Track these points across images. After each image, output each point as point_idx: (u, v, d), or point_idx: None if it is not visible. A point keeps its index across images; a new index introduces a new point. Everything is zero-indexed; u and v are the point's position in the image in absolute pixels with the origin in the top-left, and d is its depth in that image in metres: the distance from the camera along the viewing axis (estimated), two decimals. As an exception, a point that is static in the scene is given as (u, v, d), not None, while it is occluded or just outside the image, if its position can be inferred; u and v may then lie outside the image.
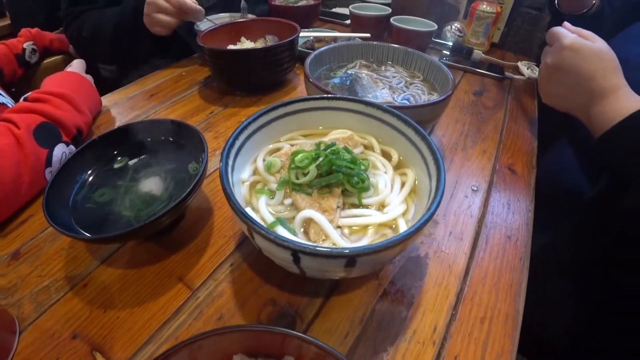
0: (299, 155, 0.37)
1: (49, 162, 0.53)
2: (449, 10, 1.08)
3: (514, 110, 0.77)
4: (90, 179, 0.47)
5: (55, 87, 0.60)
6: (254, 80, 0.73)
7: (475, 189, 0.55)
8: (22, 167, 0.50)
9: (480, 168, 0.59)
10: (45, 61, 1.03)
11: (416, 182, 0.40)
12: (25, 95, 0.58)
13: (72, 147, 0.58)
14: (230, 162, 0.35)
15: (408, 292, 0.40)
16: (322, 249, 0.25)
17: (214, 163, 0.58)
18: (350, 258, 0.26)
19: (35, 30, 1.01)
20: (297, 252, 0.26)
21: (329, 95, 0.45)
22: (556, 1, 0.77)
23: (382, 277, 0.41)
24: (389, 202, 0.38)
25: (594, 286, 0.63)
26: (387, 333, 0.37)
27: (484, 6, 0.96)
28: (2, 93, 0.72)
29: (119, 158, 0.50)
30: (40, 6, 1.26)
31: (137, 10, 0.82)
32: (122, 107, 0.73)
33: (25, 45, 0.97)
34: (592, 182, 0.64)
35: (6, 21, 1.48)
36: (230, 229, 0.47)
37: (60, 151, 0.56)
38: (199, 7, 0.81)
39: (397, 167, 0.43)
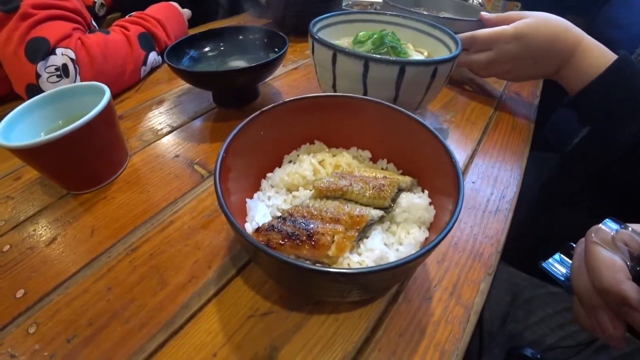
0: (361, 33, 0.56)
1: (145, 62, 0.74)
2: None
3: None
4: (191, 58, 0.67)
5: (154, 13, 0.81)
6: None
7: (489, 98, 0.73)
8: (128, 58, 0.70)
9: (494, 91, 0.77)
10: (109, 16, 1.25)
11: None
12: (131, 13, 0.79)
13: (159, 57, 0.78)
14: (315, 30, 0.54)
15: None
16: (386, 56, 0.44)
17: (279, 69, 0.78)
18: (402, 65, 0.44)
19: (104, -13, 1.24)
20: (367, 61, 0.44)
21: (378, 11, 0.65)
22: None
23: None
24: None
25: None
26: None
27: (503, -18, 1.17)
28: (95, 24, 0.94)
29: (215, 46, 0.69)
30: None
31: None
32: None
33: (96, -1, 1.20)
34: None
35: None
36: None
37: (153, 57, 0.76)
38: None
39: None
